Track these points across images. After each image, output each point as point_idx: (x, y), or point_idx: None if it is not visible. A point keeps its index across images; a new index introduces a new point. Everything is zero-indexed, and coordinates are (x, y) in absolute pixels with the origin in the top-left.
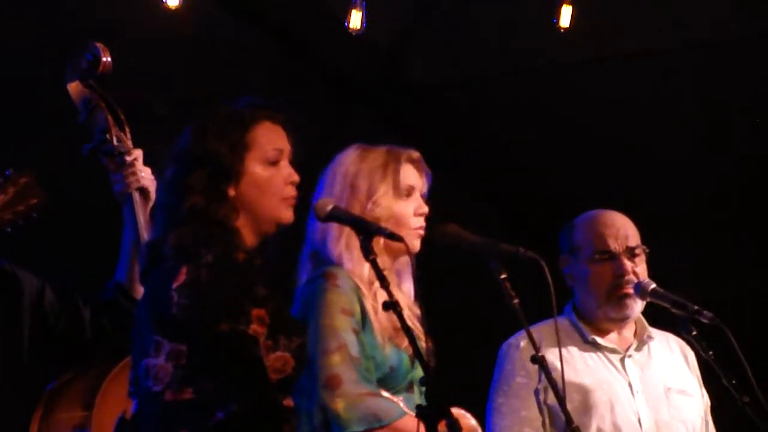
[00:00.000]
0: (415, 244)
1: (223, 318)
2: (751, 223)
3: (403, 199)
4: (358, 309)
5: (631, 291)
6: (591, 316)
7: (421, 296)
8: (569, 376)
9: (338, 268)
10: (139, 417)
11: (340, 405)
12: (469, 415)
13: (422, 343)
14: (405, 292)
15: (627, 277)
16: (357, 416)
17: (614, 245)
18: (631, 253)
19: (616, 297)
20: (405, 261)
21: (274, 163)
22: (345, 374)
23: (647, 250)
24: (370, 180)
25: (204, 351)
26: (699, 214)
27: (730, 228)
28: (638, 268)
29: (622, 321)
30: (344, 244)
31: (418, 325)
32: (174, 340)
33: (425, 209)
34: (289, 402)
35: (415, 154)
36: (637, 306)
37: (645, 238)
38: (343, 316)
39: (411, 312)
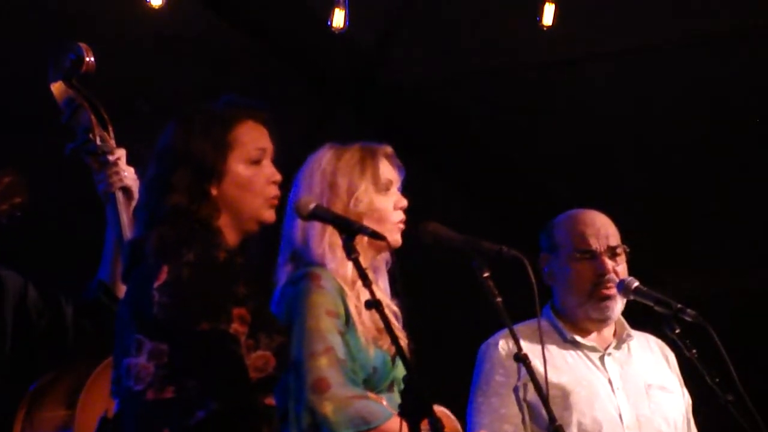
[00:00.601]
0: (397, 239)
1: (204, 317)
2: (738, 222)
3: (383, 193)
4: (342, 310)
5: (612, 292)
6: (571, 316)
7: (402, 293)
8: (549, 374)
9: (321, 269)
10: (120, 416)
11: (328, 408)
12: (452, 416)
13: (402, 342)
14: (382, 289)
15: (608, 276)
16: (345, 419)
17: (595, 244)
18: (612, 252)
19: (597, 297)
20: (381, 258)
21: (256, 162)
22: (332, 377)
23: (628, 250)
24: (349, 177)
25: (185, 350)
26: (686, 213)
27: (715, 227)
28: (619, 268)
29: (602, 322)
30: (327, 244)
31: (395, 322)
32: (155, 339)
33: (404, 203)
34: (270, 401)
35: (388, 149)
36: (618, 307)
37: (628, 236)
38: (328, 317)
39: (389, 309)
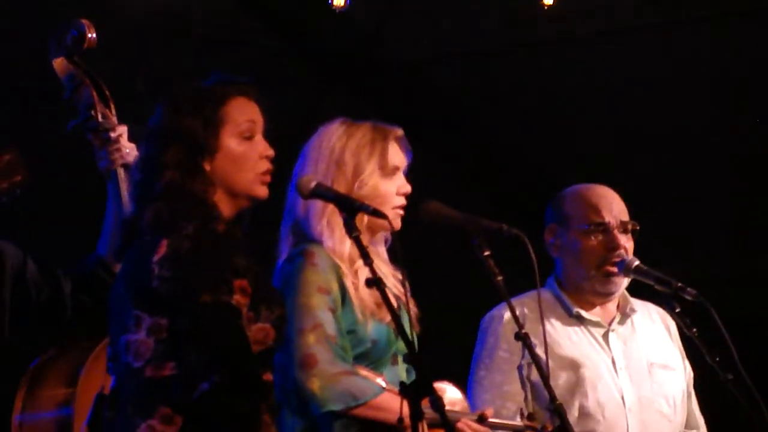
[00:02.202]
0: (397, 222)
1: (206, 289)
2: (738, 204)
3: (389, 178)
4: (335, 287)
5: (615, 269)
6: (576, 288)
7: (402, 260)
8: (554, 351)
9: (317, 246)
10: (118, 393)
11: (315, 384)
12: (453, 387)
13: (408, 309)
14: (383, 261)
15: (618, 251)
16: (333, 395)
17: (609, 218)
18: (624, 227)
19: (605, 271)
20: (380, 236)
21: (248, 137)
22: (320, 353)
23: (637, 227)
24: (357, 158)
25: (186, 323)
26: (686, 195)
27: (716, 209)
28: (627, 244)
29: (607, 296)
30: (326, 222)
31: (401, 288)
32: (155, 314)
33: (408, 188)
34: (268, 376)
35: (399, 132)
36: (624, 282)
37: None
38: (319, 294)
39: (395, 280)
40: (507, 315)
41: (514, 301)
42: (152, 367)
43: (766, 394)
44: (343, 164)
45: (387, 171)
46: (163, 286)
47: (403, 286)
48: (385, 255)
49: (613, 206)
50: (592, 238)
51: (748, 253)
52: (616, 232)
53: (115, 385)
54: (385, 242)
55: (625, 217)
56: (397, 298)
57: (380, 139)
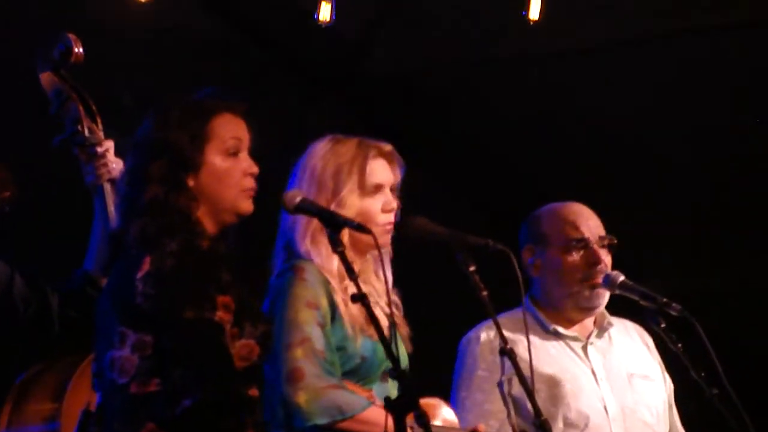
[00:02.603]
0: (384, 240)
1: (189, 305)
2: (723, 218)
3: (370, 196)
4: (324, 302)
5: (600, 281)
6: (556, 306)
7: (399, 282)
8: (534, 367)
9: (307, 262)
10: (103, 410)
11: (302, 398)
12: (446, 405)
13: (401, 330)
14: (382, 280)
15: (600, 266)
16: (319, 409)
17: (588, 233)
18: (602, 242)
19: (588, 286)
20: (385, 251)
21: (233, 154)
22: (307, 368)
23: (615, 242)
24: (336, 178)
25: (170, 339)
26: (671, 209)
27: (701, 223)
28: (606, 258)
29: (590, 311)
30: (310, 238)
31: (397, 312)
32: (139, 331)
33: (393, 205)
34: (254, 392)
35: (387, 147)
36: (605, 297)
37: (616, 230)
38: (307, 309)
39: (388, 299)
40: (483, 335)
41: (490, 323)
42: (137, 384)
43: (750, 409)
44: (322, 184)
45: (367, 189)
46: (146, 302)
47: (398, 308)
48: (381, 274)
49: (590, 222)
50: (573, 254)
51: (732, 267)
52: (595, 247)
53: (101, 401)
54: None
55: (603, 232)
56: (388, 316)
57: (360, 156)
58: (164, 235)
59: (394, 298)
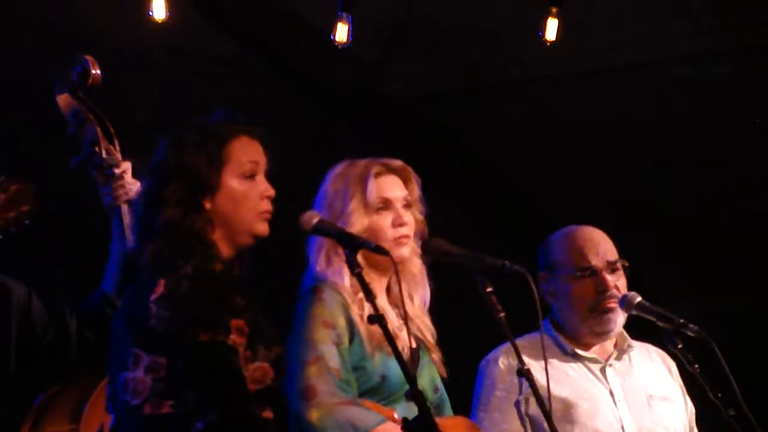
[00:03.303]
0: (400, 254)
1: (203, 328)
2: (738, 239)
3: (377, 212)
4: (342, 322)
5: (614, 305)
6: (572, 331)
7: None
8: (551, 387)
9: (325, 283)
10: (117, 431)
11: (314, 415)
12: (471, 423)
13: (432, 355)
14: (416, 304)
15: (609, 292)
16: (332, 425)
17: (595, 260)
18: (611, 267)
19: (600, 311)
20: (416, 272)
21: (250, 177)
22: (320, 385)
23: (626, 264)
24: (341, 197)
25: (183, 362)
26: (682, 230)
27: (716, 244)
28: (619, 282)
29: (605, 335)
30: (324, 257)
31: (428, 337)
32: (153, 353)
33: (405, 219)
34: (267, 414)
35: (396, 163)
36: (620, 320)
37: (626, 253)
38: (323, 329)
39: (421, 323)
40: (502, 357)
41: (509, 345)
42: (151, 405)
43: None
44: (331, 205)
45: (373, 206)
46: (160, 325)
47: (431, 334)
48: (419, 298)
49: (599, 248)
50: (582, 282)
51: (749, 288)
52: (604, 273)
53: (114, 422)
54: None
55: (613, 256)
56: (418, 340)
57: (364, 175)
58: (179, 257)
59: (427, 322)
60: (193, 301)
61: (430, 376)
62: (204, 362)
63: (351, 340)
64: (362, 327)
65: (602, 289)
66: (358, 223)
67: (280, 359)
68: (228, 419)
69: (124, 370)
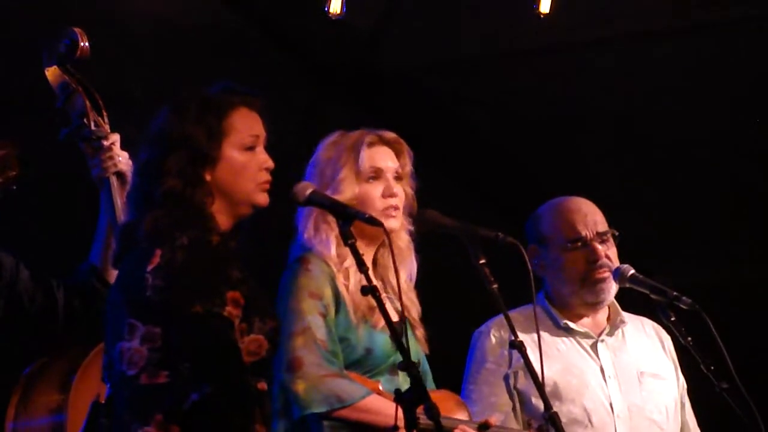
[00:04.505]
0: (389, 225)
1: (198, 299)
2: (734, 212)
3: (367, 182)
4: (328, 293)
5: (606, 275)
6: (565, 303)
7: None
8: (536, 359)
9: (311, 253)
10: (113, 401)
11: (300, 387)
12: (454, 395)
13: (416, 331)
14: (402, 278)
15: (600, 262)
16: (318, 398)
17: (585, 231)
18: (601, 238)
19: (591, 282)
20: (403, 246)
21: (250, 148)
22: (307, 357)
23: (616, 234)
24: (333, 165)
25: (178, 333)
26: (680, 203)
27: (713, 217)
28: (610, 252)
29: (597, 305)
30: (312, 226)
31: (413, 313)
32: (148, 323)
33: (395, 191)
34: (262, 385)
35: (389, 135)
36: (612, 289)
37: (619, 223)
38: (310, 299)
39: (407, 298)
40: (493, 330)
41: (501, 318)
42: (147, 375)
43: (760, 403)
44: (322, 173)
45: (364, 175)
46: (156, 295)
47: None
48: (406, 272)
49: (587, 219)
50: (573, 254)
51: (744, 261)
52: (595, 244)
53: (110, 392)
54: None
55: (603, 227)
56: (400, 313)
57: (357, 144)
58: (176, 228)
59: (413, 297)
60: (188, 272)
61: (414, 350)
62: (199, 333)
63: (337, 311)
64: (348, 298)
65: (593, 259)
66: (348, 191)
67: (275, 332)
68: (223, 390)
69: (120, 340)
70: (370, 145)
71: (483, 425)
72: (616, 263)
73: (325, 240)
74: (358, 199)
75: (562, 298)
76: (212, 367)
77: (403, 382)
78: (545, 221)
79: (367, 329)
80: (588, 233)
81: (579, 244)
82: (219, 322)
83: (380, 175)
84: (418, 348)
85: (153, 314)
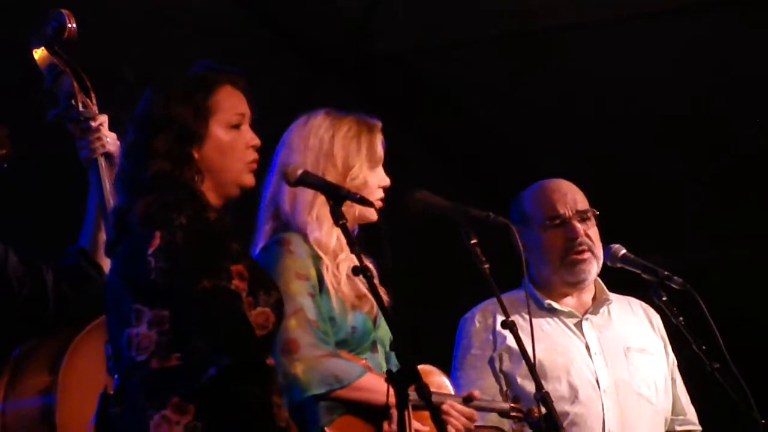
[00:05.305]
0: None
1: (205, 275)
2: (725, 193)
3: (373, 171)
4: (313, 273)
5: (586, 256)
6: (546, 283)
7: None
8: (525, 343)
9: (293, 234)
10: (124, 389)
11: (299, 369)
12: (437, 370)
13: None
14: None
15: (579, 239)
16: (316, 379)
17: (563, 210)
18: (581, 216)
19: (570, 260)
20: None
21: (236, 126)
22: (302, 338)
23: (597, 213)
24: (346, 150)
25: (189, 311)
26: (672, 183)
27: (702, 196)
28: (591, 231)
29: (578, 284)
30: (315, 215)
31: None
32: (155, 307)
33: (387, 182)
34: (270, 361)
35: (379, 124)
36: (593, 269)
37: (614, 205)
38: (298, 280)
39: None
40: (478, 315)
41: (491, 302)
42: (158, 359)
43: (751, 382)
44: (332, 156)
45: (373, 163)
46: (161, 277)
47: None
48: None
49: (567, 198)
50: (552, 232)
51: (735, 241)
52: (573, 222)
53: (119, 382)
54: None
55: (582, 206)
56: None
57: (366, 131)
58: (172, 210)
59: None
60: (191, 250)
61: (387, 328)
62: (210, 308)
63: (320, 291)
64: (334, 285)
65: (572, 237)
66: (361, 178)
67: (279, 303)
68: (240, 363)
69: (127, 327)
70: (376, 133)
71: (467, 398)
72: (597, 242)
73: (327, 230)
74: (368, 187)
75: (544, 279)
76: (228, 340)
77: (381, 357)
78: (527, 201)
79: (354, 314)
80: (567, 211)
81: (558, 221)
82: (228, 295)
83: (379, 164)
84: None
85: (159, 297)
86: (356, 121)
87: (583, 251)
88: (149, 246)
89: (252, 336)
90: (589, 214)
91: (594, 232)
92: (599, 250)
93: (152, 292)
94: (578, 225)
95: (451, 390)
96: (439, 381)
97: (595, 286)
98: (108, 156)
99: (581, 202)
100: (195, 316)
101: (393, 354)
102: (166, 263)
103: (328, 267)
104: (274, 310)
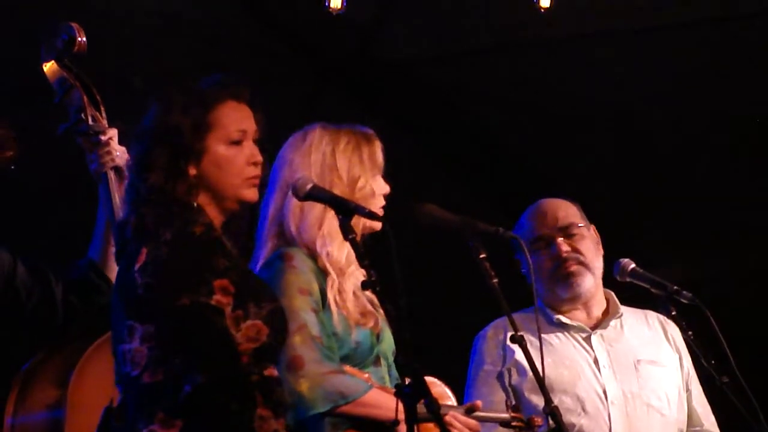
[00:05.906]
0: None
1: (184, 291)
2: (734, 205)
3: (376, 180)
4: (316, 288)
5: (573, 268)
6: (549, 301)
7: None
8: (534, 357)
9: (296, 249)
10: (124, 404)
11: (304, 386)
12: (438, 381)
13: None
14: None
15: (564, 256)
16: (321, 395)
17: (544, 230)
18: (564, 233)
19: (559, 277)
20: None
21: (236, 142)
22: (306, 354)
23: (586, 226)
24: (349, 162)
25: (168, 327)
26: (679, 195)
27: (710, 209)
28: (579, 245)
29: (576, 298)
30: (326, 231)
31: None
32: (145, 322)
33: (387, 189)
34: (271, 371)
35: (374, 133)
36: (586, 281)
37: (620, 218)
38: (301, 296)
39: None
40: (491, 332)
41: (503, 318)
42: (148, 374)
43: (761, 397)
44: (337, 169)
45: (376, 171)
46: (146, 293)
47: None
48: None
49: (547, 218)
50: (539, 253)
51: (746, 254)
52: (557, 239)
53: (122, 398)
54: None
55: (564, 222)
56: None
57: (365, 141)
58: (160, 225)
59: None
60: (173, 265)
61: (390, 341)
62: (187, 325)
63: (322, 306)
64: (339, 304)
65: (555, 256)
66: (368, 189)
67: (274, 315)
68: (215, 380)
69: (122, 343)
70: (378, 141)
71: (469, 409)
72: (588, 254)
73: (338, 246)
74: (373, 197)
75: (545, 297)
76: (203, 357)
77: (384, 371)
78: (518, 226)
79: (358, 329)
80: (547, 231)
81: (541, 243)
82: (207, 311)
83: (380, 173)
84: (391, 341)
85: (146, 313)
86: (352, 132)
87: (569, 266)
88: (136, 262)
89: (232, 351)
90: (574, 230)
91: (584, 245)
92: (593, 261)
93: (140, 308)
94: (562, 242)
95: (453, 400)
96: (440, 392)
97: (607, 300)
98: (118, 170)
99: (563, 218)
100: (174, 333)
101: (393, 365)
102: (150, 279)
103: (333, 283)
104: (267, 322)
